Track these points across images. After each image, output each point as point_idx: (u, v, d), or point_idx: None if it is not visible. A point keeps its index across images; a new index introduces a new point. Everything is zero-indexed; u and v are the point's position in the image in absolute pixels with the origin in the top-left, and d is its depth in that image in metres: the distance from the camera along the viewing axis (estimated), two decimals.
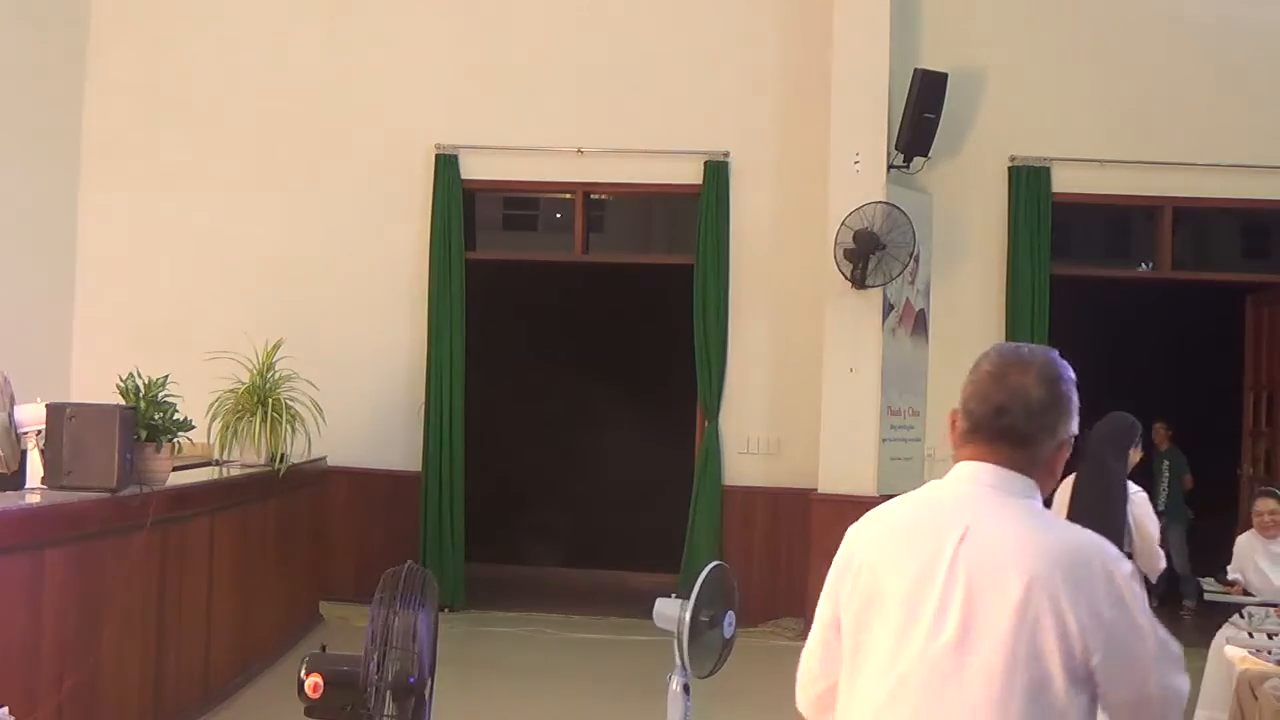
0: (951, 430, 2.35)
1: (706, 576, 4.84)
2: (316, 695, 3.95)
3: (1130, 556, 5.60)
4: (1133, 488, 5.86)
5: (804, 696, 2.44)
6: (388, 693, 3.98)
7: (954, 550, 2.14)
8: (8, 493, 5.65)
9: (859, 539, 2.34)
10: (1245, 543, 6.86)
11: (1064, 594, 2.05)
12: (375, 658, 3.97)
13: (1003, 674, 2.01)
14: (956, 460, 2.33)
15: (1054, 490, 3.44)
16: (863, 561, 2.29)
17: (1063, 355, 2.36)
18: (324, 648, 4.16)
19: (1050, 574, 2.06)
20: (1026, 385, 2.24)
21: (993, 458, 2.25)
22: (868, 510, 2.41)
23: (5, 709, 4.47)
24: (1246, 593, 6.77)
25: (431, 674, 4.33)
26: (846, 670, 2.25)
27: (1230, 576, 6.89)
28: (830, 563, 2.42)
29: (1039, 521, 2.19)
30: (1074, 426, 2.29)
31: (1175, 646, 2.20)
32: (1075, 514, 3.48)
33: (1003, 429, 2.24)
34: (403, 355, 10.11)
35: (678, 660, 4.96)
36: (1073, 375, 2.32)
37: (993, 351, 2.33)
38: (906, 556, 2.21)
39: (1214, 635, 6.64)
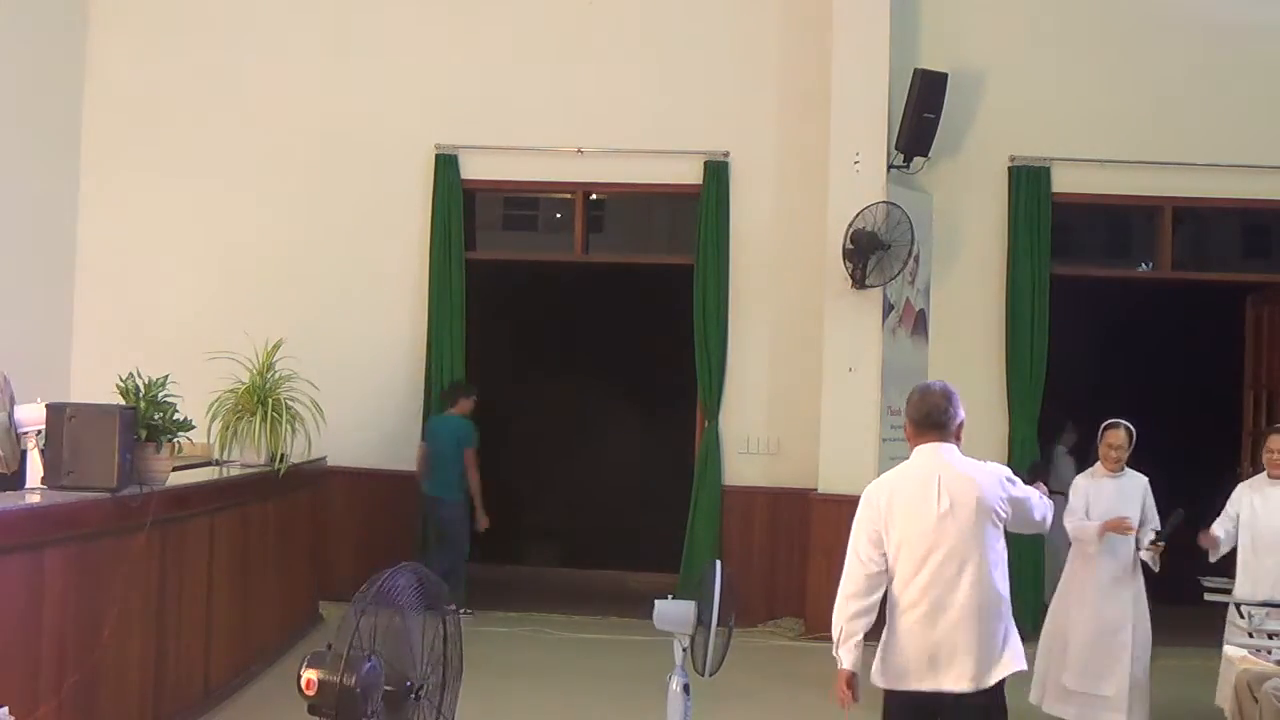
0: (907, 432, 4.63)
1: (721, 577, 4.86)
2: (311, 692, 3.96)
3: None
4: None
5: (844, 609, 4.46)
6: (358, 694, 3.95)
7: (938, 486, 4.44)
8: (8, 493, 5.65)
9: (879, 494, 4.53)
10: (1244, 486, 7.09)
11: (992, 493, 4.45)
12: (339, 659, 3.97)
13: (973, 522, 4.41)
14: (913, 447, 4.57)
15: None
16: (887, 504, 4.49)
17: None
18: (330, 646, 4.16)
19: (985, 486, 4.46)
20: (936, 400, 4.55)
21: (933, 439, 4.53)
22: None
23: (5, 709, 4.47)
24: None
25: (432, 677, 4.31)
26: (894, 559, 4.45)
27: (1215, 530, 6.95)
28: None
29: (970, 463, 4.52)
30: (961, 414, 4.55)
31: (1047, 503, 4.71)
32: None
33: (932, 423, 4.54)
34: (403, 355, 10.12)
35: (678, 660, 4.97)
36: (956, 391, 4.58)
37: (916, 389, 4.64)
38: (912, 495, 4.47)
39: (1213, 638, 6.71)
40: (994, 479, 4.47)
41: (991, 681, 4.39)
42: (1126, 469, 6.94)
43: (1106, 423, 6.98)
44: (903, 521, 4.42)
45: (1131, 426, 6.93)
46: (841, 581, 4.50)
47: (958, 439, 4.53)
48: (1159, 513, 6.82)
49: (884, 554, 4.44)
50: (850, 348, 9.46)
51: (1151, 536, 6.68)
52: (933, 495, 4.40)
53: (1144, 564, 6.78)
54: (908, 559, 4.41)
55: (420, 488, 9.69)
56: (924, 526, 4.39)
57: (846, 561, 4.51)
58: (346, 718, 3.93)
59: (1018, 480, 4.57)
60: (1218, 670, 6.61)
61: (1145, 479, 6.90)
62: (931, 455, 4.49)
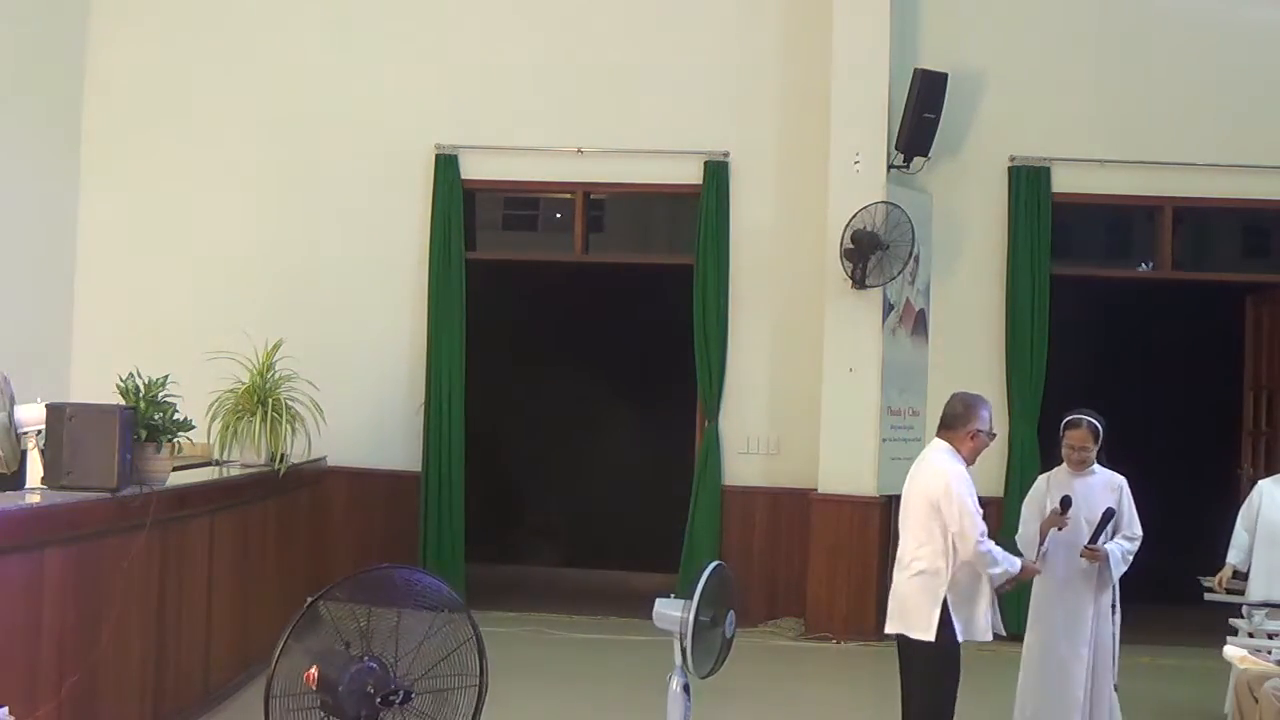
0: None
1: (708, 577, 4.85)
2: (311, 687, 3.98)
3: None
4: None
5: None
6: (341, 692, 3.97)
7: (914, 469, 5.52)
8: (8, 493, 5.65)
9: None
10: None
11: (934, 487, 5.33)
12: (340, 656, 3.98)
13: (921, 505, 5.37)
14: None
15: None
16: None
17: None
18: (347, 644, 4.17)
19: (932, 479, 5.37)
20: (952, 404, 5.53)
21: (942, 435, 5.51)
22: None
23: (5, 709, 4.47)
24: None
25: (430, 678, 4.30)
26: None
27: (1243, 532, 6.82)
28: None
29: (938, 459, 5.42)
30: (975, 426, 5.43)
31: (979, 525, 5.30)
32: None
33: (944, 423, 5.52)
34: (403, 355, 10.12)
35: (678, 660, 4.97)
36: (977, 399, 5.50)
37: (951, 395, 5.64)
38: (908, 479, 5.53)
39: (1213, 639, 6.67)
40: (940, 475, 5.31)
41: (929, 636, 5.23)
42: (1098, 467, 6.01)
43: (1067, 419, 6.02)
44: (901, 500, 5.59)
45: (1096, 422, 5.95)
46: None
47: (961, 440, 5.41)
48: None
49: None
50: (850, 348, 9.46)
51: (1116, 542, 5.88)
52: (910, 479, 5.48)
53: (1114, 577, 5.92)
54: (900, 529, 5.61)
55: None
56: (903, 503, 5.52)
57: None
58: (335, 713, 3.96)
59: (961, 486, 5.26)
60: (1219, 671, 6.60)
61: (1123, 479, 5.99)
62: (929, 448, 5.52)
